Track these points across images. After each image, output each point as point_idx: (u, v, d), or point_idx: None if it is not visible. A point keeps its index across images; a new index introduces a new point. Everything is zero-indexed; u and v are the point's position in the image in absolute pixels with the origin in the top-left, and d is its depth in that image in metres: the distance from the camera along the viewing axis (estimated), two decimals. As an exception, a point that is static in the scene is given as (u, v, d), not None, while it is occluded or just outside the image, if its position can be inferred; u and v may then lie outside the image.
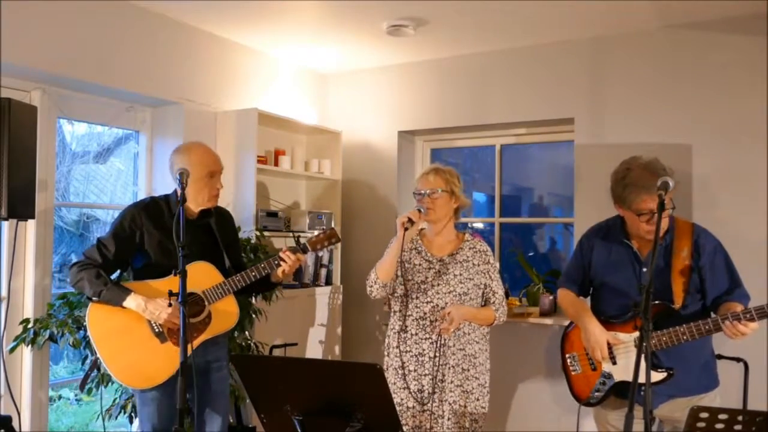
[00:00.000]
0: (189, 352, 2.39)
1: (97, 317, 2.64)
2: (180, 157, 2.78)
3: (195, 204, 2.77)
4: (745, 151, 3.57)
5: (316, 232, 2.93)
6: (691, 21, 3.71)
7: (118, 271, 2.82)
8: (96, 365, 2.83)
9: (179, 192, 2.47)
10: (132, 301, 2.59)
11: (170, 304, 2.56)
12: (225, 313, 2.71)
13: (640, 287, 2.49)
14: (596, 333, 2.57)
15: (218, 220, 2.89)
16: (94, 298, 2.62)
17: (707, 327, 2.38)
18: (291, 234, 2.83)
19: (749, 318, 2.30)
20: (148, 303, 2.58)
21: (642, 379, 1.84)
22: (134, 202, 2.90)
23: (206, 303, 2.67)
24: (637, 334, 2.51)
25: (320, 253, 4.46)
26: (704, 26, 3.70)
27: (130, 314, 2.61)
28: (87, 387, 3.32)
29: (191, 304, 2.62)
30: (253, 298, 3.62)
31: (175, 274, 2.33)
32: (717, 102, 3.66)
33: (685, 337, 2.40)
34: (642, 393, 1.83)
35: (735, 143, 3.60)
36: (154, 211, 2.78)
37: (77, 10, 3.34)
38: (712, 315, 2.45)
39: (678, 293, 2.48)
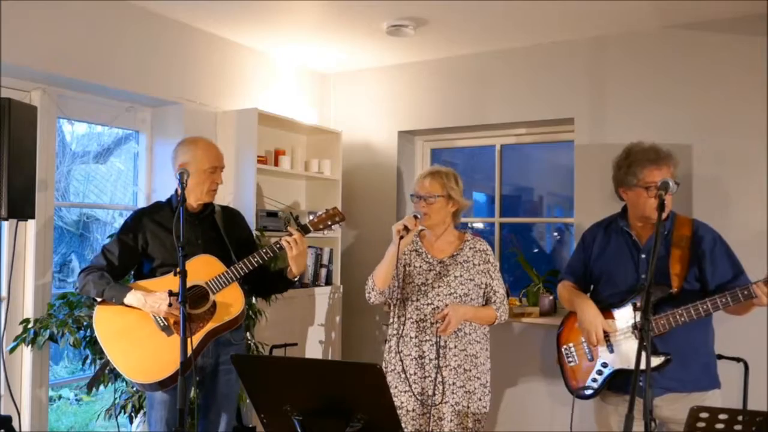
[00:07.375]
0: (193, 345, 2.43)
1: (103, 318, 2.69)
2: (184, 149, 2.82)
3: (194, 197, 2.79)
4: (745, 151, 3.57)
5: (318, 212, 2.84)
6: (691, 21, 3.71)
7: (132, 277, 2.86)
8: (106, 366, 2.85)
9: (179, 191, 2.48)
10: (132, 297, 2.63)
11: (170, 304, 2.57)
12: (229, 301, 2.71)
13: (639, 281, 2.52)
14: (591, 314, 2.58)
15: (226, 217, 2.92)
16: (98, 299, 2.68)
17: (705, 307, 2.38)
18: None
19: None
20: (147, 297, 2.62)
21: (643, 376, 1.84)
22: (138, 208, 2.95)
23: (210, 293, 2.68)
24: (633, 320, 2.52)
25: (320, 252, 4.47)
26: (704, 26, 3.69)
27: (135, 313, 2.64)
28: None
29: (196, 297, 2.64)
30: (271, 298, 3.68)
31: (175, 274, 2.33)
32: (717, 102, 3.66)
33: (683, 319, 2.41)
34: (641, 383, 1.83)
35: (735, 143, 3.60)
36: (156, 215, 2.81)
37: (77, 10, 3.34)
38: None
39: (675, 278, 2.50)
